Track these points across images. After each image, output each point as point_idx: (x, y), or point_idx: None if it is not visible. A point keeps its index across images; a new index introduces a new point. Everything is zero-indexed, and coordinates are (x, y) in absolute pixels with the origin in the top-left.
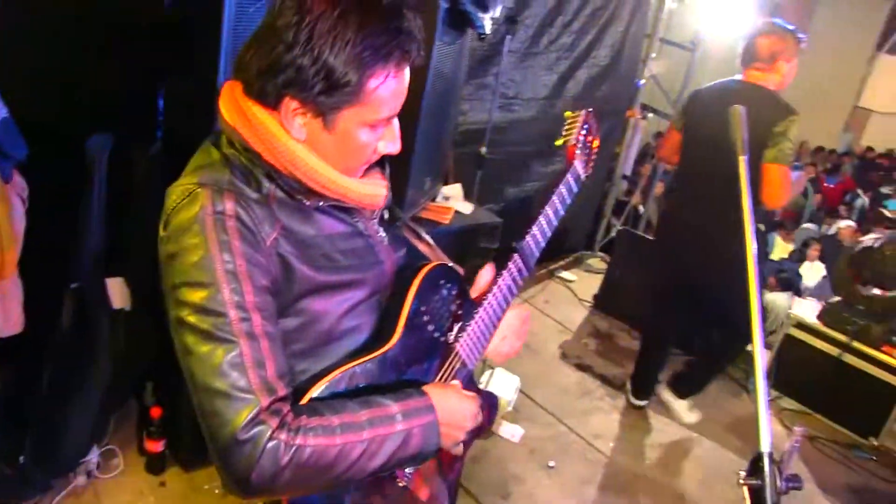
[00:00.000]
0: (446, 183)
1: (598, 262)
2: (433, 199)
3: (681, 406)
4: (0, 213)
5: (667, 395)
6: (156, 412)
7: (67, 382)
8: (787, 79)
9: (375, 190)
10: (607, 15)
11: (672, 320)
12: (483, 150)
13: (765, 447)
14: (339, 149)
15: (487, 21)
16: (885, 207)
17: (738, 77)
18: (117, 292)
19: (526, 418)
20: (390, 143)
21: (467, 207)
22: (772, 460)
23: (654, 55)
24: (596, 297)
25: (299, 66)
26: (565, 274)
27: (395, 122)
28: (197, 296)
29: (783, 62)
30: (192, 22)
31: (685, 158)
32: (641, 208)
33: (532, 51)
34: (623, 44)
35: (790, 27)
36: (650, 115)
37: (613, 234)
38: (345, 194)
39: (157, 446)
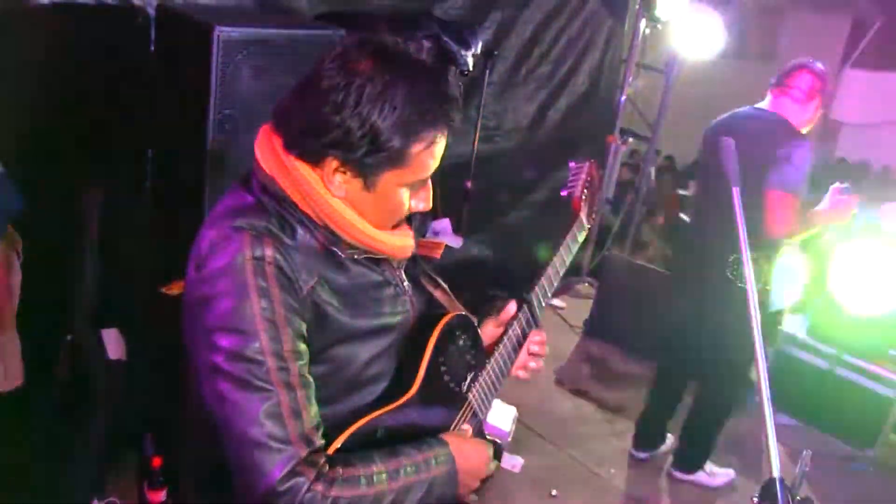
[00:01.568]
0: (435, 217)
1: (586, 287)
2: (423, 235)
3: (700, 478)
4: None
5: (679, 475)
6: (157, 462)
7: (65, 436)
8: (812, 121)
9: (405, 241)
10: (583, 43)
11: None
12: (468, 183)
13: (776, 472)
14: (378, 207)
15: (470, 58)
16: None
17: (762, 104)
18: (113, 343)
19: (525, 448)
20: (422, 202)
21: (457, 242)
22: (783, 485)
23: (630, 80)
24: (587, 322)
25: (347, 129)
26: (555, 301)
27: (429, 181)
28: (233, 342)
29: (817, 101)
30: (179, 70)
31: (698, 189)
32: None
33: (512, 82)
34: (600, 70)
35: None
36: (630, 139)
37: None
38: (378, 247)
39: (158, 496)
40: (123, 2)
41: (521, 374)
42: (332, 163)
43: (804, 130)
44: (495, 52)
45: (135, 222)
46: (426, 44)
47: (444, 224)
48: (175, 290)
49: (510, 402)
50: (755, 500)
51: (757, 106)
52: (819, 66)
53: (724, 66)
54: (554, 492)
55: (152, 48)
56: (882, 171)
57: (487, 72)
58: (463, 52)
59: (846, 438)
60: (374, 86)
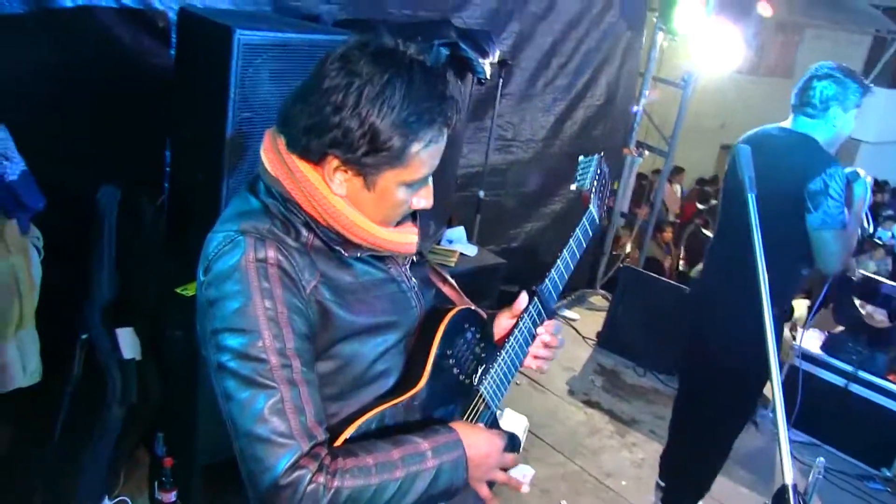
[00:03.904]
0: (450, 226)
1: (599, 299)
2: (438, 243)
3: None
4: (21, 264)
5: None
6: (168, 462)
7: (79, 433)
8: (843, 131)
9: (408, 238)
10: (601, 56)
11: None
12: (481, 193)
13: (788, 479)
14: (378, 205)
15: (487, 66)
16: (879, 238)
17: (784, 123)
18: (128, 342)
19: (536, 458)
20: (423, 200)
21: (471, 250)
22: (796, 492)
23: (647, 93)
24: (599, 334)
25: (346, 129)
26: (568, 313)
27: (430, 179)
28: (238, 342)
29: (838, 110)
30: (199, 73)
31: (721, 213)
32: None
33: (529, 93)
34: (617, 83)
35: (852, 73)
36: (646, 152)
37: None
38: (381, 244)
39: (169, 496)
40: (145, 6)
41: (535, 364)
42: (333, 161)
43: (832, 150)
44: (509, 62)
45: (152, 222)
46: (443, 51)
47: (459, 232)
48: (190, 290)
49: (521, 413)
50: None
51: (781, 125)
52: (830, 67)
53: (741, 82)
54: (564, 503)
55: (173, 52)
56: None
57: (500, 81)
58: (480, 60)
59: (862, 457)
60: (373, 86)
